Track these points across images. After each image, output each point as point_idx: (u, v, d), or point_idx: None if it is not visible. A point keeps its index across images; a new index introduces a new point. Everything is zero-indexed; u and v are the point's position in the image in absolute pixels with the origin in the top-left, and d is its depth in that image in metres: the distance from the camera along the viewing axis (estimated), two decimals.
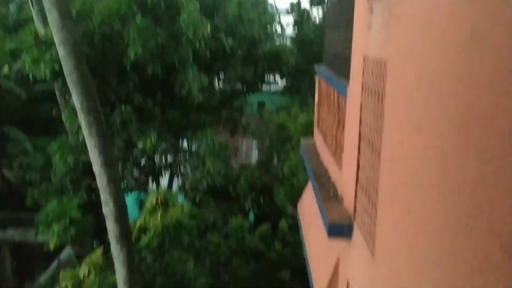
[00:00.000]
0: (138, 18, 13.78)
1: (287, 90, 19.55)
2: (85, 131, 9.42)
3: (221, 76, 18.15)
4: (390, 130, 3.14)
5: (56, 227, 12.19)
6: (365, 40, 3.98)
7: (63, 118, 14.34)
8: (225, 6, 16.47)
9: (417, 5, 2.65)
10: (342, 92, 5.10)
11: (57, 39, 9.13)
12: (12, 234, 17.25)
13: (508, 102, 1.53)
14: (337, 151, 5.43)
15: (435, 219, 2.20)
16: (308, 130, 12.39)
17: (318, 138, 7.43)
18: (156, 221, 10.86)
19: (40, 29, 13.25)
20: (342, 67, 5.34)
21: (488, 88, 1.69)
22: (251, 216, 15.75)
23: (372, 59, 3.69)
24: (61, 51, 9.17)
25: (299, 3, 20.64)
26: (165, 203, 11.31)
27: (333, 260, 5.02)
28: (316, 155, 7.00)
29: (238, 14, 16.06)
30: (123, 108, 14.28)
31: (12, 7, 18.37)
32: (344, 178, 4.81)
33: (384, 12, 3.36)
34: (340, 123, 5.35)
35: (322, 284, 5.13)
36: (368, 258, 3.55)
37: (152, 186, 16.94)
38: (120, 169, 14.51)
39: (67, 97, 14.04)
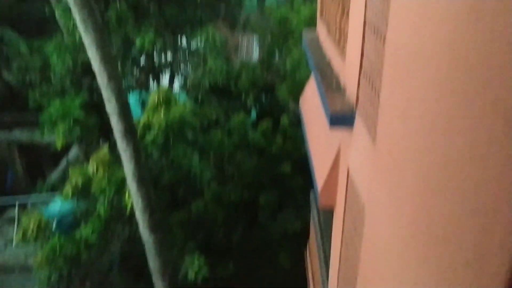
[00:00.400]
0: None
1: None
2: (80, 27, 9.10)
3: None
4: (397, 12, 3.02)
5: (60, 127, 12.37)
6: None
7: (57, 16, 13.85)
8: None
9: None
10: None
11: None
12: (19, 135, 17.60)
13: None
14: (340, 41, 5.30)
15: (439, 101, 2.20)
16: (311, 23, 11.98)
17: (321, 29, 7.20)
18: (159, 118, 10.98)
19: None
20: None
21: None
22: (253, 113, 15.90)
23: None
24: None
25: None
26: (167, 101, 11.34)
27: (334, 150, 5.15)
28: (319, 47, 6.85)
29: None
30: (117, 4, 13.71)
31: None
32: (347, 68, 4.75)
33: None
34: (345, 11, 5.15)
35: (323, 172, 5.32)
36: (369, 144, 3.63)
37: (153, 85, 16.86)
38: (119, 68, 14.32)
39: None
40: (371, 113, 3.64)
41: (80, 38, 9.40)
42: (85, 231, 10.66)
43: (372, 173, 3.60)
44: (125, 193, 10.01)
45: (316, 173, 5.62)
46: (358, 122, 4.09)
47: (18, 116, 17.17)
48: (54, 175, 17.00)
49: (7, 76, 15.99)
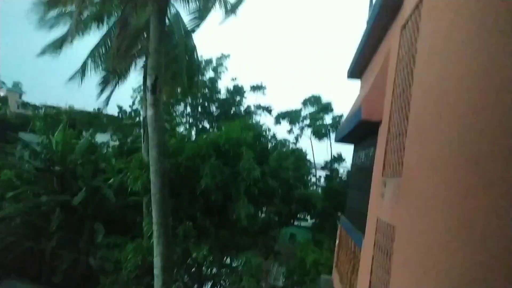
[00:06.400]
0: (213, 159, 18.51)
1: (315, 227, 24.50)
2: (155, 239, 12.93)
3: (264, 209, 22.32)
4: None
5: None
6: (379, 205, 4.63)
7: (143, 224, 18.31)
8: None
9: (421, 184, 3.07)
10: (358, 243, 5.79)
11: (152, 168, 13.13)
12: None
13: None
14: None
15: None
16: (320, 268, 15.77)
17: (335, 277, 8.38)
18: None
19: (145, 157, 17.88)
20: (359, 222, 6.08)
21: None
22: None
23: (384, 222, 4.21)
24: (152, 178, 13.14)
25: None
26: None
27: None
28: None
29: (279, 164, 21.11)
30: (187, 224, 18.12)
31: (128, 139, 25.50)
32: None
33: (394, 188, 3.97)
34: (354, 269, 6.03)
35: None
36: None
37: None
38: (175, 273, 17.85)
39: (149, 209, 18.15)
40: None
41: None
42: None
43: None
44: None
45: None
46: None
47: None
48: None
49: (92, 261, 19.74)
